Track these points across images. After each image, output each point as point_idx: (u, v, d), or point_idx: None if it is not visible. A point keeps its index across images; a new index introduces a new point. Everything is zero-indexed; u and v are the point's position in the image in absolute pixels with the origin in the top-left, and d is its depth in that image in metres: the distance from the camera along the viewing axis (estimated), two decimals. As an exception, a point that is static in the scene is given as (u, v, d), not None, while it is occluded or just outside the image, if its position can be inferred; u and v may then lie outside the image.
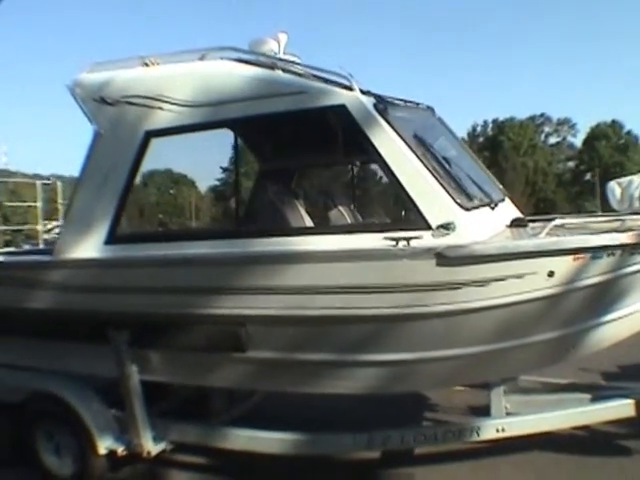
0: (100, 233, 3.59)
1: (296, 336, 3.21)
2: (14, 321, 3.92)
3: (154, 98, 3.49)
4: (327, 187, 3.60)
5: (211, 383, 3.68)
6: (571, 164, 59.50)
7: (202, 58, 3.60)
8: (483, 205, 3.32)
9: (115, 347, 3.57)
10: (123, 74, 3.70)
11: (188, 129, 3.47)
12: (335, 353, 3.20)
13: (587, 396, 3.79)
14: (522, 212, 3.97)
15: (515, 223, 3.45)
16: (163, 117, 3.47)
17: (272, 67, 3.40)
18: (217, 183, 3.73)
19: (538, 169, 54.58)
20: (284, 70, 3.38)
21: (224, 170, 3.85)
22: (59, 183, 7.02)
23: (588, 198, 49.64)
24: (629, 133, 55.67)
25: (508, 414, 3.65)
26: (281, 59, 3.44)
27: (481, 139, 60.47)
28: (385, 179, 3.17)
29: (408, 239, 2.86)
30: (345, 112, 3.11)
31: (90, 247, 3.61)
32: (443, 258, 2.81)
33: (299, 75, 3.37)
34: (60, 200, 7.22)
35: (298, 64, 3.40)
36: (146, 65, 3.68)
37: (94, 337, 3.66)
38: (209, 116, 3.38)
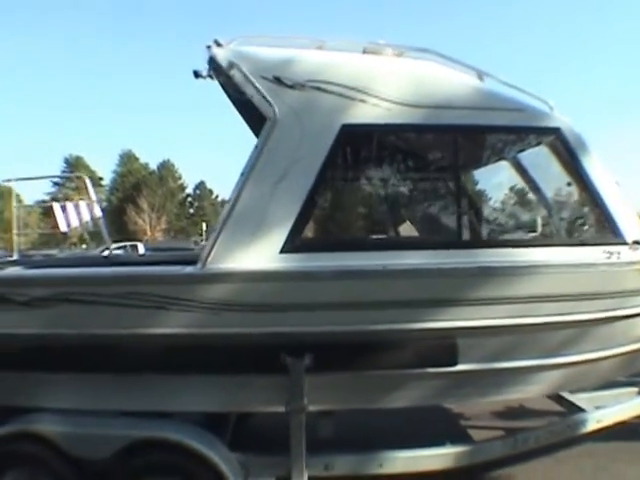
0: (275, 240, 2.97)
1: (503, 344, 3.19)
2: (118, 352, 3.02)
3: (356, 89, 3.08)
4: (532, 202, 3.63)
5: (401, 403, 3.31)
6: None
7: (400, 55, 3.32)
8: None
9: (293, 375, 2.97)
10: (309, 56, 3.20)
11: (398, 129, 3.16)
12: (535, 358, 3.28)
13: (634, 389, 4.49)
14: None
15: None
16: (367, 112, 3.08)
17: (480, 78, 3.36)
18: (425, 189, 3.34)
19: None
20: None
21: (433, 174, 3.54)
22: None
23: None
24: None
25: (597, 408, 4.10)
26: (483, 71, 3.37)
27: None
28: (580, 198, 3.46)
29: (618, 253, 3.23)
30: (560, 135, 3.28)
31: (260, 256, 2.96)
32: None
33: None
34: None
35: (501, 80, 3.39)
36: (319, 49, 3.24)
37: (256, 365, 3.01)
38: (425, 119, 3.14)
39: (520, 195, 3.55)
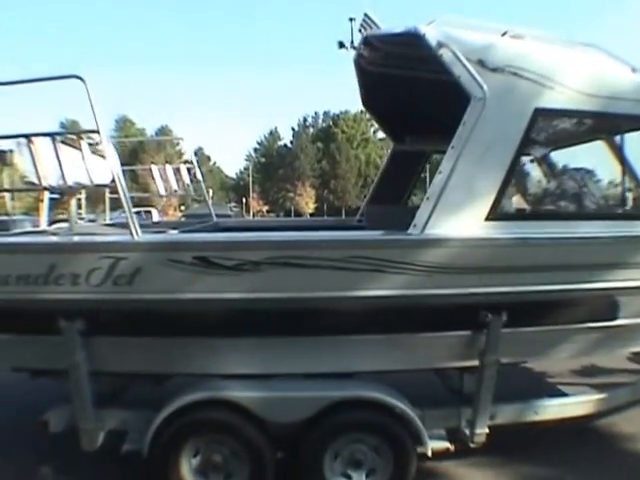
0: (481, 209, 3.35)
1: None
2: (331, 314, 3.25)
3: (546, 77, 3.45)
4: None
5: (567, 355, 3.85)
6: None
7: (574, 47, 3.73)
8: None
9: (492, 331, 3.36)
10: (505, 42, 3.55)
11: (580, 115, 3.60)
12: None
13: None
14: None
15: None
16: (554, 98, 3.46)
17: (633, 71, 3.75)
18: (598, 170, 3.88)
19: (370, 161, 59.21)
20: None
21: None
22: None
23: (417, 192, 57.55)
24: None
25: None
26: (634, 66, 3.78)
27: (312, 130, 64.35)
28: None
29: None
30: None
31: (469, 223, 3.33)
32: None
33: None
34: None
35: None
36: (509, 36, 3.60)
37: (457, 322, 3.40)
38: (600, 107, 3.55)
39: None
